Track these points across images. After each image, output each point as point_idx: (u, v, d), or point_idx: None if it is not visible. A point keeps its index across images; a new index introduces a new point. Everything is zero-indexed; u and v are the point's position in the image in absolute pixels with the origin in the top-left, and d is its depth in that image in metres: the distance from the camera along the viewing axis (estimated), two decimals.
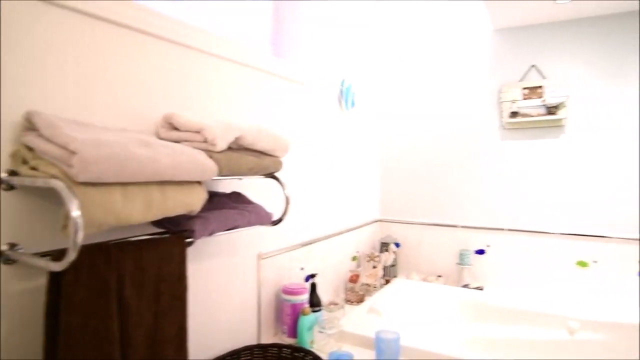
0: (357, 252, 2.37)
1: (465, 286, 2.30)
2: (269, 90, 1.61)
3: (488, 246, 2.34)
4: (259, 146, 1.19)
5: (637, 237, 2.02)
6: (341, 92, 2.13)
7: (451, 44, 2.45)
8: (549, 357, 1.97)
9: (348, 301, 2.06)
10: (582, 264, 2.14)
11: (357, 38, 2.34)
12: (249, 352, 1.45)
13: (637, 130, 2.04)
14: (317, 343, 1.58)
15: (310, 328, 1.57)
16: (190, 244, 1.05)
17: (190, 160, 0.95)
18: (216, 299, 1.37)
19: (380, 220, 2.66)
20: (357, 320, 1.76)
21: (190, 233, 1.03)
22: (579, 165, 2.15)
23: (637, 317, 1.89)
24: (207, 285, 1.33)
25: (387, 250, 2.42)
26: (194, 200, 0.97)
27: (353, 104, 2.25)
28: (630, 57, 2.04)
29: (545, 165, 2.23)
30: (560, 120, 2.17)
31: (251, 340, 1.55)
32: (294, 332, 1.60)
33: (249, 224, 1.21)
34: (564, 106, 2.17)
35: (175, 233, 1.05)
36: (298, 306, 1.60)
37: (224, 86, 1.37)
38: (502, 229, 2.31)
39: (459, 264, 2.37)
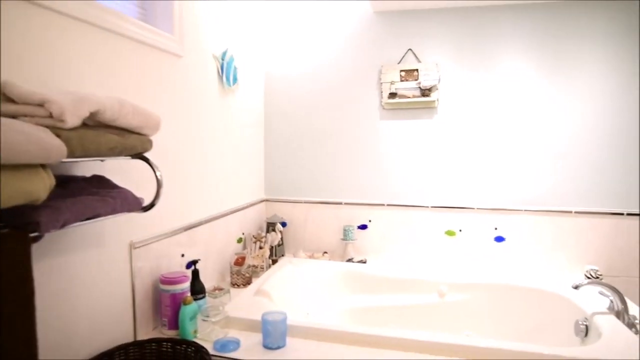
0: (243, 233, 2.31)
1: (350, 260, 2.40)
2: (138, 62, 1.43)
3: (370, 221, 2.46)
4: (123, 123, 1.05)
5: (494, 207, 2.30)
6: (222, 66, 2.01)
7: (334, 23, 2.47)
8: (424, 318, 2.17)
9: (234, 285, 2.00)
10: (450, 233, 2.37)
11: (240, 12, 2.22)
12: (123, 351, 1.31)
13: (496, 113, 2.29)
14: (201, 332, 1.50)
15: (193, 317, 1.48)
16: (36, 239, 0.89)
17: (30, 140, 0.79)
18: (80, 297, 1.21)
19: (266, 200, 2.63)
20: (243, 304, 1.71)
21: (35, 226, 0.87)
22: (449, 145, 2.36)
23: (494, 277, 2.16)
24: (68, 282, 1.16)
25: (273, 230, 2.40)
26: (37, 188, 0.82)
27: (235, 80, 2.14)
28: (490, 47, 2.27)
29: (420, 145, 2.39)
30: (433, 102, 2.34)
31: (126, 338, 1.40)
32: (175, 323, 1.49)
33: (114, 211, 1.07)
34: (437, 89, 2.34)
35: (17, 227, 0.88)
36: (178, 296, 1.49)
37: (76, 53, 1.17)
38: (382, 205, 2.44)
39: (344, 239, 2.46)
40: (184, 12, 1.70)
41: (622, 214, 2.21)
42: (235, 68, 2.13)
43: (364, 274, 2.27)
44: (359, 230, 2.48)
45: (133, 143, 1.09)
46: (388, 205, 2.44)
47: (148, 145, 1.16)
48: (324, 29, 2.49)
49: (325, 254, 2.47)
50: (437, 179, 2.38)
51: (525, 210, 2.28)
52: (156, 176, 1.22)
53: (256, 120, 2.52)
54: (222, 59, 2.02)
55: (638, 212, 2.19)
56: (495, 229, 2.32)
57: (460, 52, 2.31)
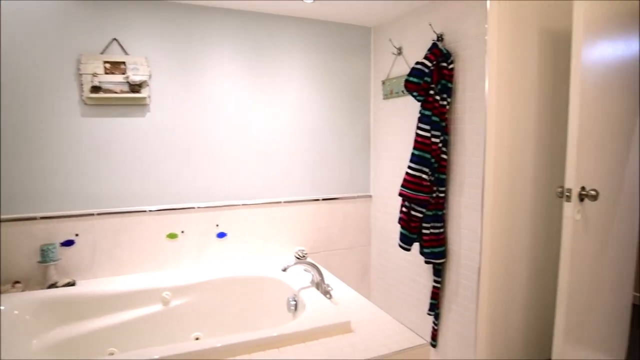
0: None
1: (53, 285, 1.99)
2: None
3: (77, 235, 2.10)
4: None
5: (214, 205, 2.34)
6: None
7: (26, 9, 1.97)
8: (149, 331, 2.00)
9: None
10: (172, 235, 2.28)
11: None
12: None
13: (208, 113, 2.32)
14: None
15: None
16: None
17: None
18: None
19: None
20: None
21: None
22: (164, 144, 2.24)
23: (217, 273, 2.20)
24: None
25: None
26: None
27: None
28: (201, 47, 2.28)
29: (132, 144, 2.19)
30: (144, 98, 2.18)
31: None
32: None
33: None
34: (147, 85, 2.19)
35: None
36: None
37: None
38: (92, 214, 2.12)
39: (42, 262, 2.01)
40: None
41: (318, 200, 2.62)
42: None
43: (73, 299, 1.93)
44: (63, 247, 2.09)
45: None
46: (99, 214, 2.13)
47: None
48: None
49: (17, 285, 1.97)
50: (154, 180, 2.24)
51: (242, 204, 2.42)
52: None
53: None
54: None
55: (330, 197, 2.65)
56: (217, 225, 2.37)
57: (172, 49, 2.23)
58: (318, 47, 2.56)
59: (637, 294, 3.09)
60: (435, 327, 2.20)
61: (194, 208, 2.31)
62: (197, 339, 2.09)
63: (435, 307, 2.16)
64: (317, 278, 1.99)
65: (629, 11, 1.91)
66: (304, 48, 2.52)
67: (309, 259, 2.36)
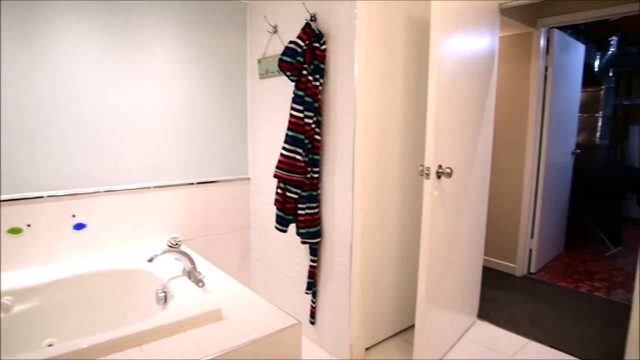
0: None
1: None
2: None
3: None
4: None
5: (69, 193, 2.06)
6: None
7: None
8: None
9: None
10: (15, 230, 1.95)
11: None
12: None
13: (70, 93, 2.01)
14: None
15: None
16: None
17: None
18: None
19: None
20: None
21: None
22: (7, 124, 1.90)
23: (76, 269, 1.95)
24: None
25: None
26: None
27: None
28: (57, 27, 1.94)
29: None
30: None
31: None
32: None
33: None
34: None
35: None
36: None
37: None
38: None
39: None
40: None
41: (193, 184, 2.48)
42: None
43: None
44: None
45: None
46: None
47: None
48: None
49: None
50: None
51: (106, 191, 2.17)
52: None
53: None
54: None
55: (207, 181, 2.52)
56: (74, 216, 2.09)
57: (8, 11, 1.87)
58: (191, 22, 2.37)
59: (486, 257, 3.54)
60: (314, 305, 2.25)
61: (42, 197, 2.00)
62: (50, 345, 1.84)
63: (312, 286, 2.20)
64: (189, 266, 1.88)
65: (483, 9, 2.10)
66: (176, 21, 2.32)
67: (182, 247, 2.23)
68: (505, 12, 2.66)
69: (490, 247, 3.49)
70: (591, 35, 4.70)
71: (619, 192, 4.14)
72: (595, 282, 3.25)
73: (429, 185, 1.80)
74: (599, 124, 5.31)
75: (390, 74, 2.11)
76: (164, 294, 1.79)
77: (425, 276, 1.88)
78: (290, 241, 2.39)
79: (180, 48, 2.36)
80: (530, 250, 3.37)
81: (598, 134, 5.33)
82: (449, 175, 1.82)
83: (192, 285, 1.75)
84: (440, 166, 1.83)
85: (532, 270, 3.40)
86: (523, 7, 2.90)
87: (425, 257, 1.86)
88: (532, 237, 3.35)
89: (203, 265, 2.09)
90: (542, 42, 3.11)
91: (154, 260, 1.78)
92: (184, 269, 1.90)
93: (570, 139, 3.74)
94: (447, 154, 1.90)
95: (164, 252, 1.80)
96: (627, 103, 5.70)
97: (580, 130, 5.35)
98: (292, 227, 2.25)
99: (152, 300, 1.90)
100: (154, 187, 2.33)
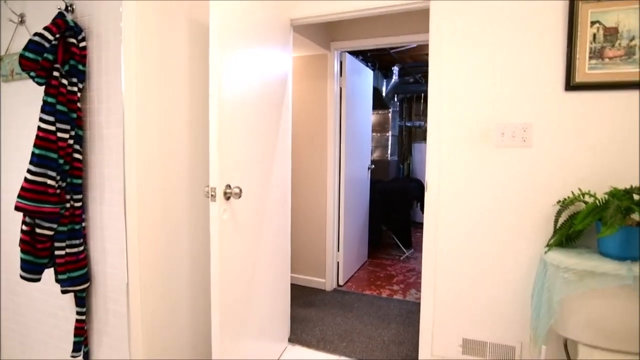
0: None
1: None
2: None
3: None
4: None
5: None
6: None
7: None
8: None
9: None
10: None
11: None
12: None
13: None
14: None
15: None
16: None
17: None
18: None
19: None
20: None
21: None
22: None
23: None
24: None
25: None
26: None
27: None
28: None
29: None
30: None
31: None
32: None
33: None
34: None
35: None
36: None
37: None
38: None
39: None
40: None
41: None
42: None
43: None
44: None
45: None
46: None
47: None
48: None
49: None
50: None
51: None
52: None
53: None
54: None
55: None
56: None
57: None
58: None
59: (298, 276, 3.52)
60: None
61: None
62: None
63: (81, 345, 1.73)
64: None
65: (274, 22, 2.01)
66: None
67: None
68: (299, 30, 2.68)
69: (301, 264, 3.48)
70: (377, 62, 5.29)
71: (407, 200, 4.69)
72: (394, 285, 3.53)
73: (216, 208, 1.57)
74: (389, 142, 6.03)
75: (173, 80, 1.83)
76: None
77: (219, 306, 1.62)
78: (51, 290, 1.85)
79: None
80: (338, 263, 3.47)
81: (389, 151, 6.04)
82: (238, 195, 1.63)
83: None
84: (228, 186, 1.62)
85: (341, 282, 3.50)
86: (318, 29, 2.99)
87: (216, 286, 1.62)
88: (338, 250, 3.46)
89: None
90: (336, 64, 3.28)
91: None
92: None
93: (366, 155, 4.06)
94: (237, 173, 1.71)
95: None
96: (409, 125, 6.65)
97: (374, 147, 5.99)
98: (50, 272, 1.74)
99: None
100: None
